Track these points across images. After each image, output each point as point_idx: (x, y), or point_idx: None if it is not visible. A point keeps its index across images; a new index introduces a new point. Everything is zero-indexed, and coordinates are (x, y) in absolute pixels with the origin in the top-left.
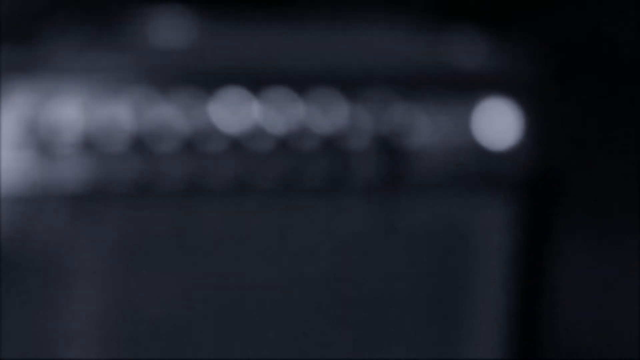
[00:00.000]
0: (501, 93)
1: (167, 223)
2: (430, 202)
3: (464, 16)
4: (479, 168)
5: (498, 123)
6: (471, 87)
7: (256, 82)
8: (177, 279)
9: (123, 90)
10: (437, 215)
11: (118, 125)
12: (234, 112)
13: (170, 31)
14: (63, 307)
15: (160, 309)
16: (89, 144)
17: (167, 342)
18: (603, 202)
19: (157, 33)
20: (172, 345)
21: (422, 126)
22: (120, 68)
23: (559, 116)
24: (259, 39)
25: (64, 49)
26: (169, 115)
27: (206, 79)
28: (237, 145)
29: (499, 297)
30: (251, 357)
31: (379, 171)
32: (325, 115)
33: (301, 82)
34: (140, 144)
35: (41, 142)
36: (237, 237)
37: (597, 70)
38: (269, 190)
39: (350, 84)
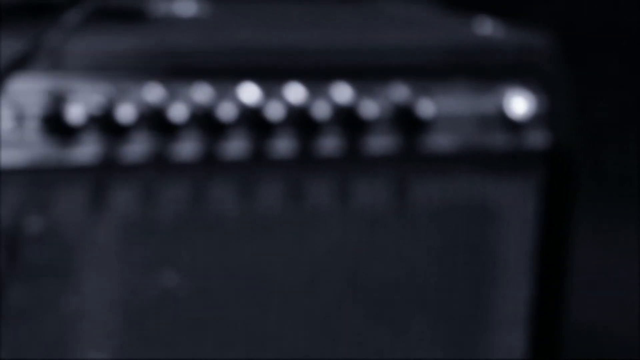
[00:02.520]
0: (519, 72)
1: (184, 195)
2: (451, 173)
3: (483, 4)
4: (498, 142)
5: (517, 101)
6: (491, 65)
7: (274, 55)
8: (193, 250)
9: (137, 65)
10: (456, 186)
11: (131, 100)
12: (249, 83)
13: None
14: (80, 282)
15: (176, 281)
16: (104, 120)
17: (185, 313)
18: (614, 179)
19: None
20: (189, 317)
21: (440, 100)
22: (133, 44)
23: (572, 96)
24: (275, 13)
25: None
26: (184, 89)
27: (218, 57)
28: (252, 115)
29: (518, 267)
30: (260, 329)
31: (398, 142)
32: (344, 86)
33: (322, 57)
34: (155, 118)
35: (59, 118)
36: (252, 207)
37: (609, 54)
38: (284, 160)
39: (374, 57)
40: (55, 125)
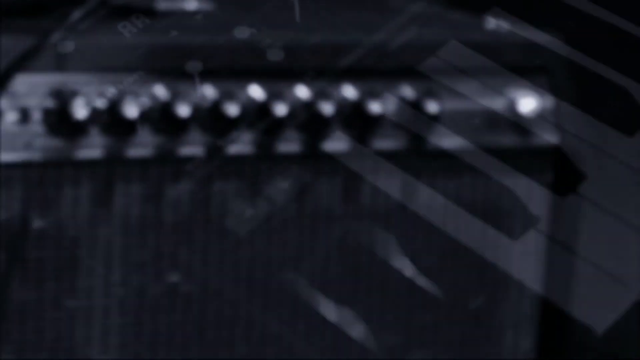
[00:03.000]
0: (527, 71)
1: (189, 192)
2: (458, 171)
3: (488, 6)
4: (505, 139)
5: (524, 99)
6: (499, 64)
7: (279, 53)
8: (197, 248)
9: (142, 62)
10: (463, 184)
11: (136, 96)
12: (256, 80)
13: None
14: (83, 279)
15: (180, 279)
16: (108, 117)
17: (188, 312)
18: (619, 177)
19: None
20: (192, 316)
21: (447, 98)
22: (138, 41)
23: (580, 95)
24: (281, 11)
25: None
26: (189, 86)
27: (224, 54)
28: (258, 113)
29: (526, 265)
30: (263, 328)
31: (406, 140)
32: (352, 84)
33: (329, 55)
34: (160, 115)
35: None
36: (258, 205)
37: (614, 53)
38: (290, 157)
39: (382, 54)
40: (60, 122)
